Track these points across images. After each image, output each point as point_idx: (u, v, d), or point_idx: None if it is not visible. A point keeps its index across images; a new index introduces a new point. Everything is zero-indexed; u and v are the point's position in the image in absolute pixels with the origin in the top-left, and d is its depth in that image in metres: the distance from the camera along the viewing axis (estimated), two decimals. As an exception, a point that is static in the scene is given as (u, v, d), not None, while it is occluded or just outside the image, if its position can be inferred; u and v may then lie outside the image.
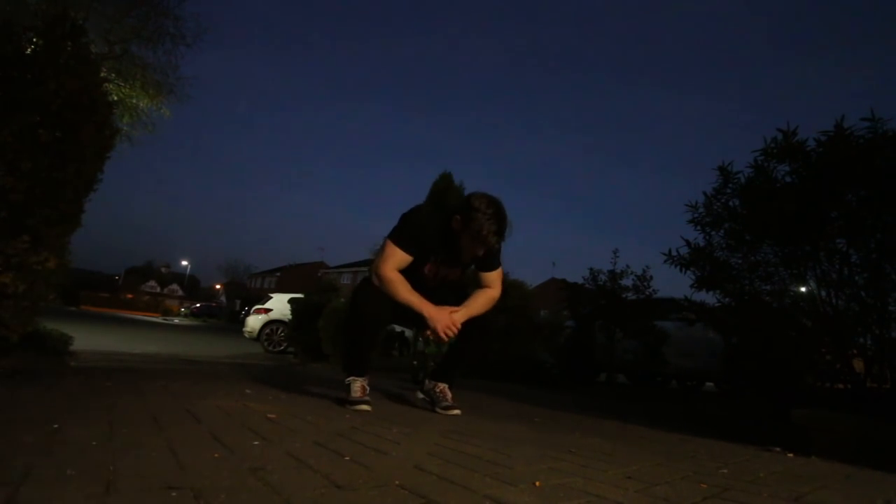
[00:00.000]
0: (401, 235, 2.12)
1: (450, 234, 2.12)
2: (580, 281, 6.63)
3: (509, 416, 2.39)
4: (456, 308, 2.13)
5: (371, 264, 2.29)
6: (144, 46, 7.57)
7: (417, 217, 2.16)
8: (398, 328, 6.37)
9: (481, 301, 2.21)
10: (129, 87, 7.68)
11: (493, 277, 2.28)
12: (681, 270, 3.46)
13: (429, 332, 2.10)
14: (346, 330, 2.25)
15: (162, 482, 0.90)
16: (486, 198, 2.06)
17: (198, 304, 45.05)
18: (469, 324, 2.14)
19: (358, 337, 2.20)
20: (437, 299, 2.12)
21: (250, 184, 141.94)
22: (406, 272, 2.14)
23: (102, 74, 3.00)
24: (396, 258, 2.10)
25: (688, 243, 3.44)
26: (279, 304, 9.76)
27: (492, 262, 2.26)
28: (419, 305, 2.07)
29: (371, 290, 2.13)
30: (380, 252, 2.17)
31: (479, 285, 2.27)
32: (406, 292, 2.08)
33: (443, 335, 2.06)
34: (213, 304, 46.23)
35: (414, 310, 2.07)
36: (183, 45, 7.72)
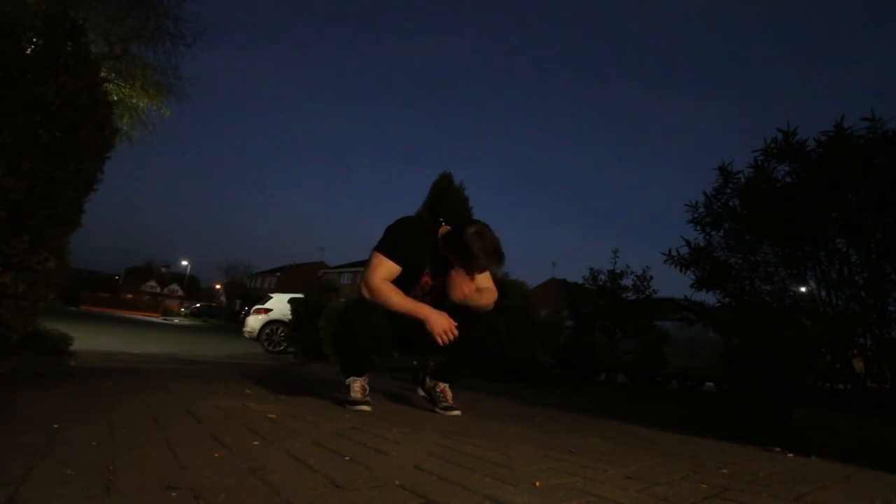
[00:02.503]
0: (387, 245, 2.08)
1: (437, 248, 2.09)
2: (580, 281, 6.64)
3: (509, 416, 2.39)
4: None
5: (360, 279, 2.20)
6: (144, 46, 7.57)
7: (402, 227, 2.13)
8: None
9: (487, 295, 2.17)
10: (129, 87, 7.68)
11: (484, 278, 2.26)
12: (681, 270, 3.46)
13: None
14: (339, 343, 2.22)
15: (162, 482, 0.90)
16: (481, 237, 1.95)
17: (198, 304, 45.04)
18: (478, 327, 2.09)
19: (354, 350, 2.15)
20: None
21: (250, 184, 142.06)
22: (403, 289, 2.09)
23: (102, 74, 3.01)
24: (385, 268, 2.06)
25: (688, 243, 3.44)
26: (279, 304, 9.75)
27: None
28: (416, 309, 2.01)
29: (362, 309, 2.04)
30: (367, 265, 2.11)
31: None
32: (399, 298, 2.02)
33: (440, 338, 1.98)
34: (213, 304, 46.23)
35: (412, 316, 2.00)
36: (183, 45, 7.72)
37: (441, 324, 1.98)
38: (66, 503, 0.78)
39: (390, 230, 2.14)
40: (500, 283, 2.37)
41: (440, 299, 2.24)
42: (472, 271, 2.05)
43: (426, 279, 2.16)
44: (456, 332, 2.00)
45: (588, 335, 6.50)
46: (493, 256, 1.97)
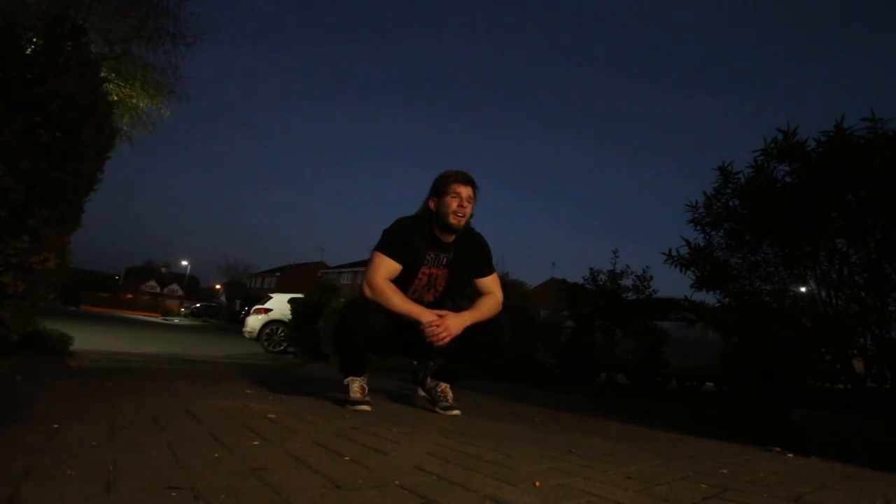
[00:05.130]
0: (386, 243, 2.14)
1: (429, 222, 2.18)
2: (580, 281, 6.63)
3: (509, 416, 2.39)
4: (458, 314, 2.09)
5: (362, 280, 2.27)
6: (144, 46, 7.59)
7: (398, 226, 2.19)
8: None
9: (487, 304, 2.20)
10: (129, 87, 7.69)
11: (491, 282, 2.30)
12: (681, 270, 3.46)
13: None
14: (336, 342, 2.24)
15: (162, 482, 0.90)
16: (448, 170, 2.24)
17: (198, 304, 44.96)
18: (480, 328, 2.11)
19: (350, 348, 2.17)
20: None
21: (250, 184, 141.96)
22: (405, 283, 2.14)
23: (102, 74, 3.01)
24: (385, 267, 2.10)
25: (688, 243, 3.43)
26: (279, 304, 9.76)
27: (484, 267, 2.30)
28: (416, 312, 2.03)
29: (359, 308, 2.08)
30: (368, 265, 2.15)
31: (480, 294, 2.28)
32: (399, 300, 2.05)
33: (437, 341, 1.99)
34: (213, 304, 46.17)
35: (412, 318, 2.02)
36: (183, 45, 7.74)
37: (439, 327, 2.00)
38: (66, 503, 0.78)
39: (387, 231, 2.19)
40: (500, 282, 2.38)
41: (442, 291, 2.27)
42: (449, 187, 2.15)
43: (425, 270, 2.19)
44: (450, 337, 2.02)
45: (588, 335, 6.49)
46: (458, 172, 2.20)
